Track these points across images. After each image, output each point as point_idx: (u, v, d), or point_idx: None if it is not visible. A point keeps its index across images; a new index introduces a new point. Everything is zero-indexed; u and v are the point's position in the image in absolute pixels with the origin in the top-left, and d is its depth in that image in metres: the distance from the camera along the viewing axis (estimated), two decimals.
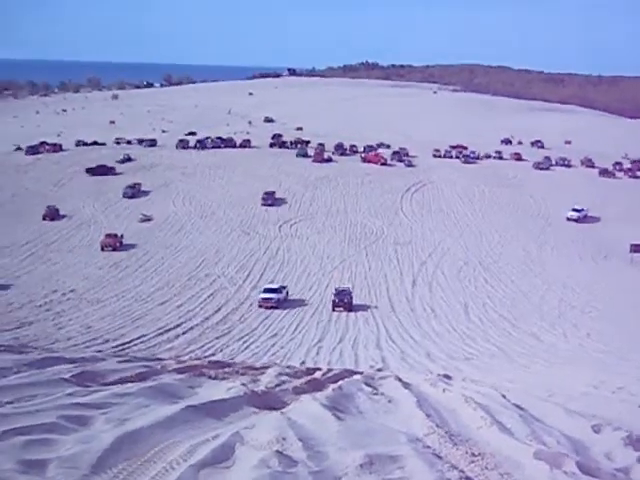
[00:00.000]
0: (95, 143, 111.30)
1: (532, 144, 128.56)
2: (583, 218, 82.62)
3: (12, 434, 6.88)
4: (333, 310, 51.55)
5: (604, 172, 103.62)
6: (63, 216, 77.54)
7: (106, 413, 8.11)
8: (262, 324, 48.28)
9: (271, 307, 52.03)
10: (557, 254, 70.22)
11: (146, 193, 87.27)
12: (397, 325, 49.14)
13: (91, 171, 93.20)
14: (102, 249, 66.62)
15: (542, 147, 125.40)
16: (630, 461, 7.91)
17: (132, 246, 67.76)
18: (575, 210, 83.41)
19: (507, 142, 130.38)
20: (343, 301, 51.87)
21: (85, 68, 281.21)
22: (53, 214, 76.65)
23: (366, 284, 59.60)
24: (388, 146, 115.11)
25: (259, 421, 8.65)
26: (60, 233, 71.78)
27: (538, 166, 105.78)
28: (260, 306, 52.25)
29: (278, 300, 52.68)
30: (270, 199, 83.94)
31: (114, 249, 66.50)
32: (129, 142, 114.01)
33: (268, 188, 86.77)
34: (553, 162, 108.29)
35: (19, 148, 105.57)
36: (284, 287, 55.42)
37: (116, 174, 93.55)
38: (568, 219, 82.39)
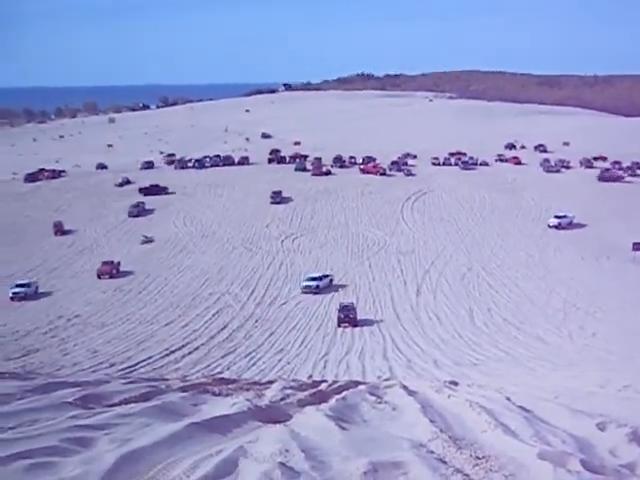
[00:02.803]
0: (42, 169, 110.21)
1: (535, 148, 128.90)
2: (568, 225, 79.63)
3: (14, 458, 6.89)
4: (339, 326, 51.01)
5: (605, 172, 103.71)
6: (70, 231, 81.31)
7: (109, 434, 8.11)
8: (267, 340, 48.31)
9: (313, 293, 59.15)
10: (560, 256, 70.16)
11: (151, 211, 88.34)
12: (403, 334, 49.10)
13: (144, 191, 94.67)
14: (99, 277, 65.16)
15: (545, 151, 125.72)
16: (635, 457, 7.88)
17: (131, 272, 67.01)
18: (557, 217, 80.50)
19: (511, 147, 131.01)
20: (349, 316, 51.36)
21: (81, 93, 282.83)
22: (62, 229, 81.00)
23: (370, 295, 59.60)
24: (415, 156, 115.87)
25: (262, 435, 8.64)
26: (62, 260, 71.95)
27: (549, 169, 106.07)
28: (304, 292, 59.49)
29: (318, 287, 59.83)
30: (278, 197, 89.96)
31: (111, 276, 65.17)
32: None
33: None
34: (552, 164, 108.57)
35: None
36: (327, 275, 62.38)
37: (168, 194, 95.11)
38: (549, 226, 79.64)
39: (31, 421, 8.49)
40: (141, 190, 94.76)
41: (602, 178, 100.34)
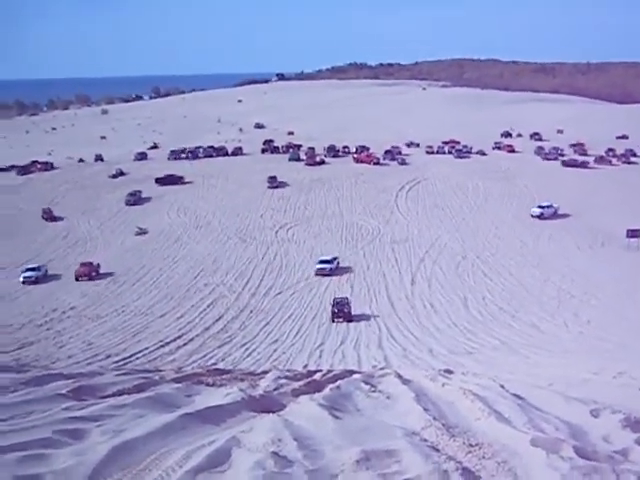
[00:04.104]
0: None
1: (531, 136, 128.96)
2: (552, 215, 78.73)
3: (7, 450, 6.90)
4: (333, 321, 49.74)
5: (599, 159, 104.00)
6: (60, 218, 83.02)
7: (101, 425, 8.11)
8: (263, 331, 48.31)
9: (325, 275, 61.86)
10: (554, 244, 70.26)
11: (148, 199, 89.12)
12: (398, 323, 49.14)
13: (160, 181, 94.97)
14: (77, 279, 61.96)
15: (540, 139, 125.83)
16: (628, 443, 7.91)
17: (111, 273, 64.32)
18: (540, 207, 79.67)
19: (507, 135, 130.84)
20: (343, 311, 50.14)
21: (73, 85, 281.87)
22: (52, 215, 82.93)
23: (365, 284, 59.67)
24: (418, 144, 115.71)
25: (256, 424, 8.64)
26: (57, 252, 71.84)
27: (546, 157, 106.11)
28: (317, 275, 62.03)
29: (331, 269, 62.72)
30: (275, 182, 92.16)
31: (90, 279, 62.05)
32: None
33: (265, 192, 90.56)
34: (546, 151, 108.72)
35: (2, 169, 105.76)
36: (335, 258, 64.85)
37: (184, 183, 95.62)
38: (532, 216, 78.70)
39: (24, 413, 8.49)
40: (157, 180, 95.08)
41: (566, 164, 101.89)
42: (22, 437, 7.37)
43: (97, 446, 7.27)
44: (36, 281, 61.54)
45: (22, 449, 6.98)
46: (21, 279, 61.81)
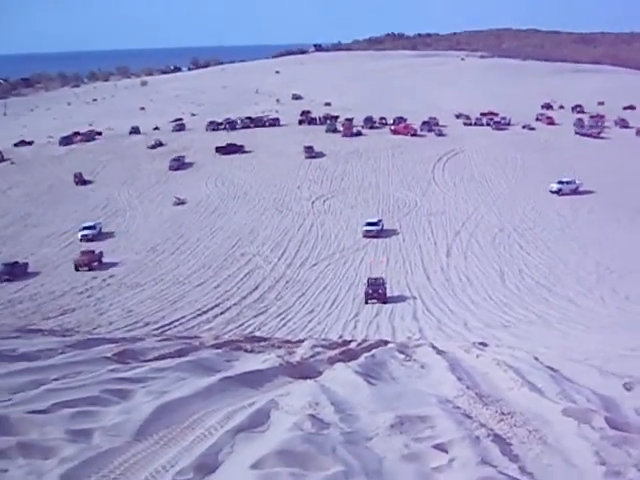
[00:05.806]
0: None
1: (573, 109, 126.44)
2: (572, 191, 75.80)
3: (59, 407, 7.32)
4: (366, 302, 47.14)
5: (581, 128, 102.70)
6: (90, 181, 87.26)
7: (146, 386, 8.48)
8: (298, 301, 48.68)
9: (373, 236, 64.31)
10: (593, 217, 69.38)
11: (190, 164, 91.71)
12: (433, 296, 49.16)
13: (221, 150, 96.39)
14: (76, 269, 57.03)
15: (582, 111, 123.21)
16: None
17: (115, 263, 58.51)
18: (560, 182, 76.59)
19: (548, 107, 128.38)
20: (377, 292, 47.62)
21: (113, 57, 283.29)
22: (82, 180, 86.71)
23: (401, 256, 59.69)
24: (467, 116, 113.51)
25: (293, 389, 8.94)
26: (97, 221, 72.62)
27: (586, 130, 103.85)
28: (365, 237, 64.53)
29: (377, 231, 65.08)
30: (312, 152, 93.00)
31: (90, 268, 56.83)
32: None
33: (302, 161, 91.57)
34: (586, 124, 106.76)
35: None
36: (380, 220, 67.64)
37: (245, 152, 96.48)
38: (551, 192, 76.16)
39: (74, 373, 8.91)
40: (218, 149, 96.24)
41: (578, 133, 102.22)
42: (72, 395, 7.77)
43: (142, 405, 7.63)
44: (92, 239, 65.61)
45: (73, 406, 7.39)
46: (79, 236, 66.28)
